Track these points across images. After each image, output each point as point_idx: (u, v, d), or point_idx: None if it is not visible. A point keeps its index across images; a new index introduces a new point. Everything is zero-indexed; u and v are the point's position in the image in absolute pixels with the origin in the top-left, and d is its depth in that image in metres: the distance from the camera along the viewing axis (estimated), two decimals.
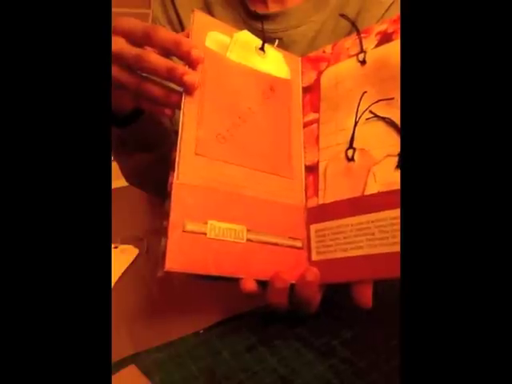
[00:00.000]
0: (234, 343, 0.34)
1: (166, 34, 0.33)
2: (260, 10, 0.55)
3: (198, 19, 0.38)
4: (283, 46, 0.54)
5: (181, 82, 0.33)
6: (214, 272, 0.30)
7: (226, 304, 0.38)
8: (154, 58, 0.33)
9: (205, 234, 0.30)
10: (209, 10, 0.57)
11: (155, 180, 0.47)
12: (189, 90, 0.33)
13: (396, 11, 0.50)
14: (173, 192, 0.31)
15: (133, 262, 0.47)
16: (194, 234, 0.30)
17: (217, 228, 0.31)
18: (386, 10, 0.51)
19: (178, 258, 0.29)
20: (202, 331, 0.35)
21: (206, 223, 0.30)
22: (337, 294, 0.33)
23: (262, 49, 0.40)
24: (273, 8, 0.54)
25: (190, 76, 0.33)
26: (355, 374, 0.30)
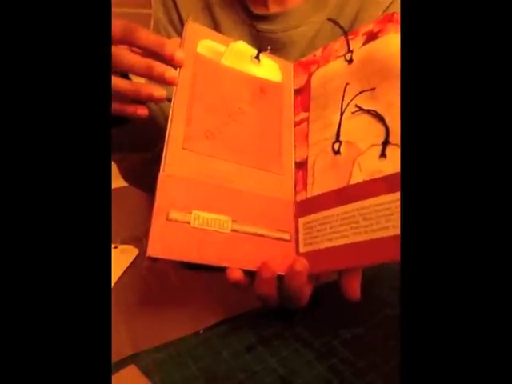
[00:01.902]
0: (234, 343, 0.34)
1: (148, 34, 0.34)
2: (260, 10, 0.55)
3: (191, 28, 0.40)
4: (283, 46, 0.55)
5: (162, 79, 0.34)
6: (196, 259, 0.30)
7: (226, 304, 0.38)
8: (131, 55, 0.33)
9: (188, 223, 0.31)
10: (210, 11, 0.57)
11: (152, 179, 0.47)
12: (170, 85, 0.35)
13: (394, 11, 0.50)
14: (158, 183, 0.31)
15: (133, 262, 0.47)
16: (178, 223, 0.30)
17: (201, 218, 0.31)
18: (385, 10, 0.51)
19: (160, 245, 0.29)
20: (201, 331, 0.35)
21: (191, 213, 0.31)
22: (337, 295, 0.33)
23: (257, 57, 0.41)
24: (273, 9, 0.54)
25: (171, 72, 0.34)
26: (355, 374, 0.30)
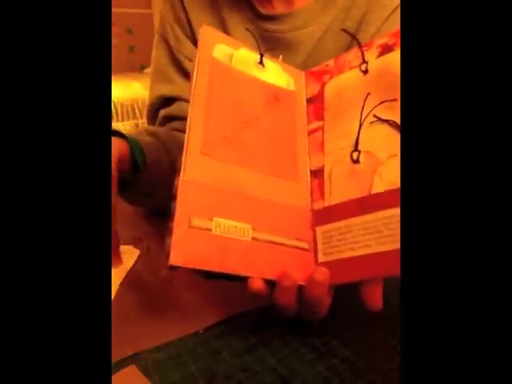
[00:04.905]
0: (234, 343, 0.34)
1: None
2: (267, 10, 0.55)
3: (206, 32, 0.40)
4: (290, 46, 0.55)
5: None
6: (218, 268, 0.29)
7: (226, 304, 0.38)
8: None
9: (210, 230, 0.30)
10: (217, 10, 0.57)
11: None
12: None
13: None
14: (178, 189, 0.31)
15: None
16: (200, 230, 0.30)
17: (222, 225, 0.31)
18: (392, 13, 0.52)
19: (182, 253, 0.29)
20: (201, 331, 0.35)
21: (212, 220, 0.31)
22: (336, 294, 0.33)
23: (261, 63, 0.42)
24: (280, 9, 0.55)
25: None
26: (355, 374, 0.30)
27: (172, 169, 0.47)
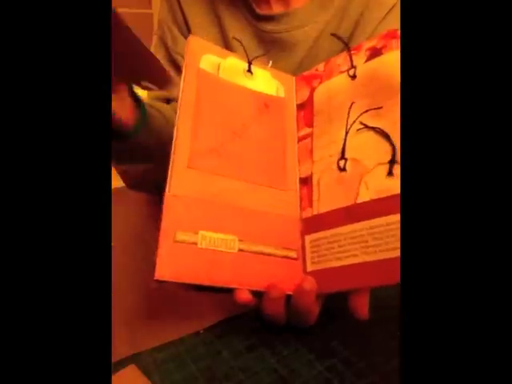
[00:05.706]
0: (234, 343, 0.34)
1: None
2: (264, 11, 0.55)
3: (194, 43, 0.40)
4: (287, 46, 0.55)
5: None
6: (205, 282, 0.30)
7: (226, 304, 0.38)
8: None
9: (196, 243, 0.30)
10: (214, 11, 0.57)
11: (156, 185, 0.47)
12: None
13: (398, 13, 0.50)
14: (164, 203, 0.31)
15: (133, 262, 0.47)
16: (185, 244, 0.30)
17: (208, 238, 0.31)
18: (389, 12, 0.51)
19: (168, 268, 0.29)
20: (201, 331, 0.35)
21: (197, 233, 0.31)
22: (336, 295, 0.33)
23: (249, 71, 0.41)
24: (277, 9, 0.55)
25: None
26: (355, 375, 0.30)
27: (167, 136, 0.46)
